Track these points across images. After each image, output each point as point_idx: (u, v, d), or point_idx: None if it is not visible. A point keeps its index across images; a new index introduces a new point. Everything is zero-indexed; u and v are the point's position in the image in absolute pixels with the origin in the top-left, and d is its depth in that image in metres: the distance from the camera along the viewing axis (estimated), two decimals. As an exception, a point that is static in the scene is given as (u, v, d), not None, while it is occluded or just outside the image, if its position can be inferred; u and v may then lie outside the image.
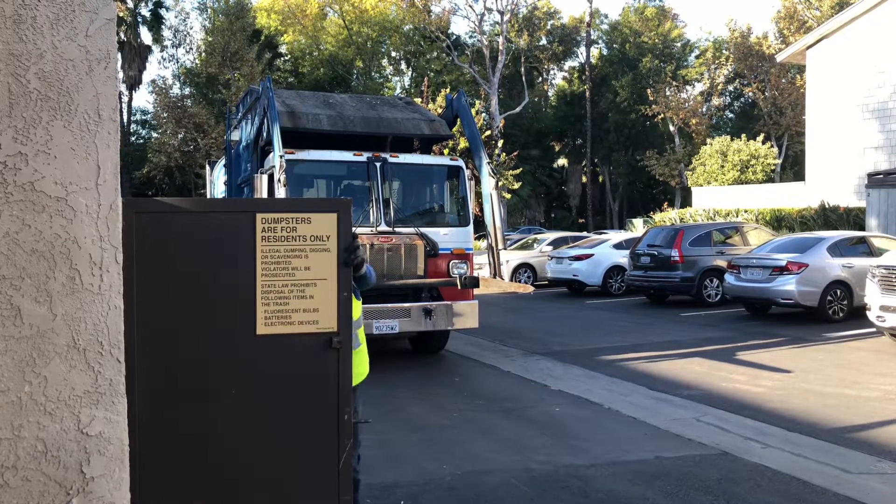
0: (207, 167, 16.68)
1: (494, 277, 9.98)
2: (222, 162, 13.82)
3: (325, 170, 9.61)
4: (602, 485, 5.03)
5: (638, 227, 30.40)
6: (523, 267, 20.25)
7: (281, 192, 8.11)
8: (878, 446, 5.83)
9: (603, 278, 17.99)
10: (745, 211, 23.76)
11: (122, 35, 36.60)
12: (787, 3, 42.38)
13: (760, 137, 36.87)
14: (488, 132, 32.43)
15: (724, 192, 29.31)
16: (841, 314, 12.50)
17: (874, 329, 10.82)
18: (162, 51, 42.53)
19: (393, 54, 50.20)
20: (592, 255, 18.21)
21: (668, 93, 44.34)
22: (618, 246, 18.42)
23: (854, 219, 20.54)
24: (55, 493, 2.31)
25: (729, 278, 13.76)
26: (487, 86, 42.51)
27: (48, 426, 2.29)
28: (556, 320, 13.95)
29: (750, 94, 44.59)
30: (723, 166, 34.95)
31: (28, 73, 2.25)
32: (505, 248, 18.04)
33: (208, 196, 16.37)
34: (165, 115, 36.37)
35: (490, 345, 10.99)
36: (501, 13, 43.21)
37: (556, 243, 21.10)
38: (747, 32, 43.43)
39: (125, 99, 39.87)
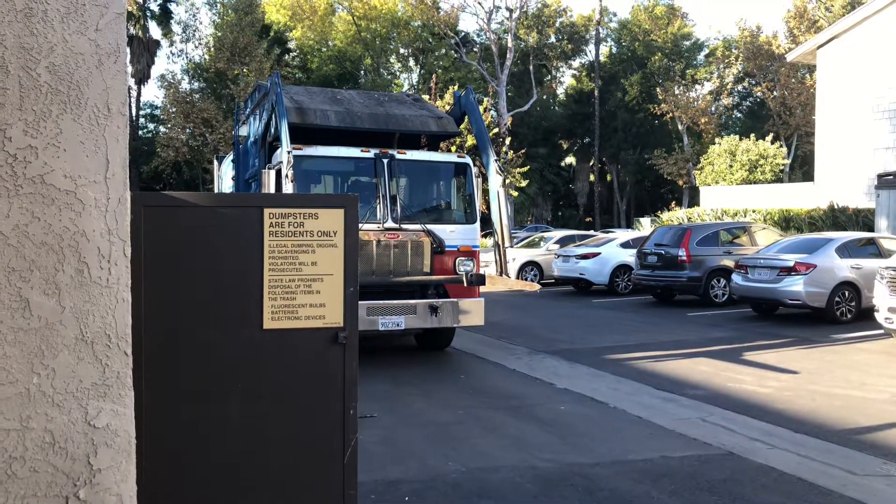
0: (215, 162, 16.73)
1: (501, 275, 9.97)
2: (230, 157, 13.86)
3: (333, 166, 9.62)
4: (607, 483, 5.03)
5: (645, 226, 30.33)
6: (530, 265, 20.23)
7: (288, 188, 8.12)
8: (885, 448, 5.80)
9: (609, 277, 17.95)
10: (754, 211, 23.65)
11: (130, 29, 36.72)
12: (798, 3, 42.16)
13: (769, 137, 36.72)
14: (496, 130, 32.41)
15: (732, 192, 29.18)
16: (849, 315, 12.44)
17: (882, 331, 10.77)
18: (171, 45, 42.66)
19: (401, 51, 50.18)
20: (599, 253, 18.17)
21: (677, 92, 44.19)
22: (625, 245, 18.38)
23: (863, 220, 20.43)
24: (62, 484, 2.32)
25: (736, 278, 13.71)
26: (496, 83, 42.44)
27: (56, 418, 2.30)
28: (562, 319, 13.94)
29: (759, 93, 44.41)
30: (731, 166, 34.81)
31: (39, 67, 2.26)
32: (511, 246, 18.02)
33: (216, 191, 16.42)
34: (174, 109, 36.47)
35: (496, 342, 10.98)
36: (510, 10, 43.12)
37: (562, 242, 21.07)
38: (757, 31, 43.22)
39: (133, 93, 40.00)
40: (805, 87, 40.08)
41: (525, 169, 33.93)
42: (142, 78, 39.29)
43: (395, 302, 8.76)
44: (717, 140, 38.14)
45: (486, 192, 10.20)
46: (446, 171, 9.89)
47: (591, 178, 51.52)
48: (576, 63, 53.71)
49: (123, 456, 2.40)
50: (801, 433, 6.22)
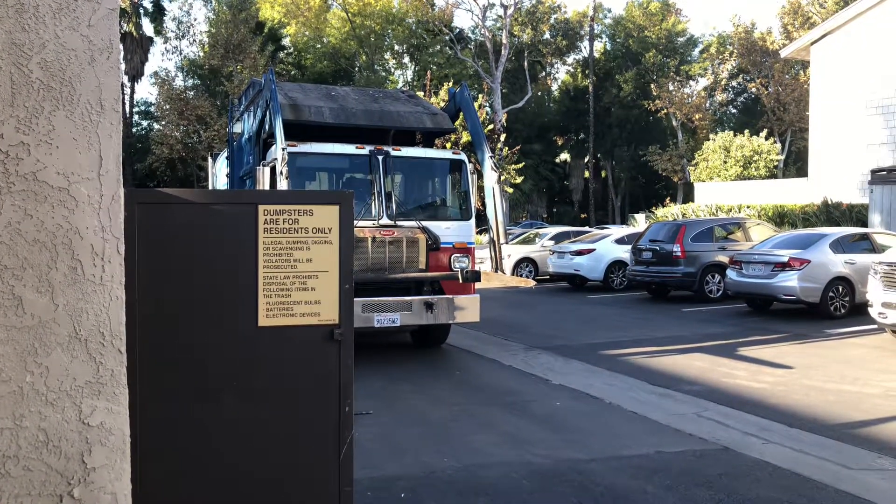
0: (210, 159, 16.69)
1: (496, 272, 9.97)
2: (224, 154, 13.82)
3: (328, 162, 9.60)
4: (602, 479, 5.03)
5: (640, 222, 30.38)
6: (525, 261, 20.24)
7: (283, 185, 8.10)
8: (879, 442, 5.83)
9: (604, 273, 17.98)
10: (748, 207, 23.70)
11: (124, 26, 36.53)
12: (792, -1, 42.24)
13: (763, 133, 36.79)
14: (491, 126, 32.36)
15: (726, 188, 29.24)
16: (843, 311, 12.48)
17: (876, 326, 10.81)
18: (165, 42, 42.48)
19: (396, 48, 50.08)
20: (594, 249, 18.20)
21: (671, 88, 44.23)
22: (619, 241, 18.41)
23: (857, 215, 20.50)
24: (56, 482, 2.31)
25: (731, 274, 13.74)
26: (490, 80, 42.41)
27: (50, 416, 2.29)
28: (557, 315, 13.95)
29: (753, 89, 44.48)
30: (725, 162, 34.88)
31: (30, 63, 2.24)
32: (507, 243, 18.03)
33: (210, 188, 16.37)
34: (168, 106, 36.33)
35: (491, 339, 10.99)
36: (505, 7, 43.07)
37: (557, 238, 21.09)
38: (751, 28, 43.29)
39: (127, 90, 39.83)
40: (799, 83, 40.16)
41: (520, 165, 33.92)
42: (135, 75, 39.12)
43: (391, 299, 8.75)
44: (711, 136, 38.21)
45: (481, 189, 10.19)
46: (441, 168, 9.88)
47: (586, 174, 51.55)
48: (570, 59, 53.71)
49: (118, 454, 2.39)
50: (795, 428, 6.24)
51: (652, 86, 44.01)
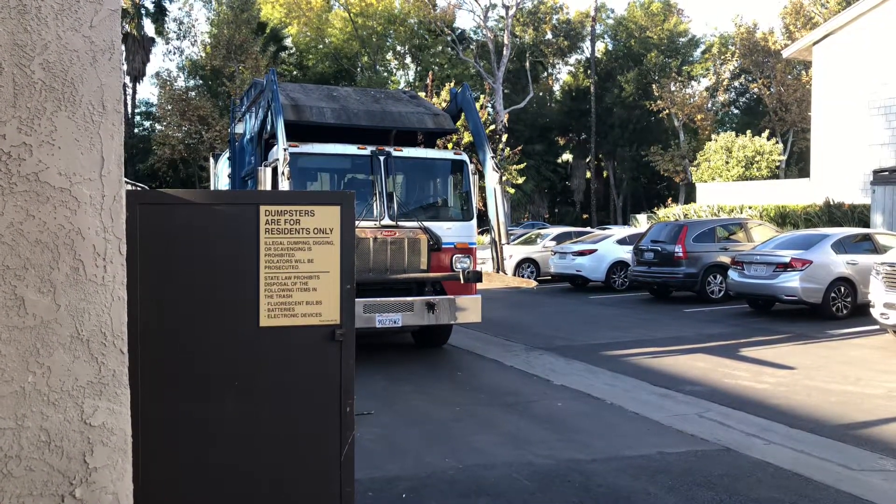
0: (211, 160, 16.72)
1: (497, 272, 9.97)
2: (226, 155, 13.84)
3: (329, 163, 9.61)
4: (604, 479, 5.03)
5: (642, 222, 30.34)
6: (526, 262, 20.23)
7: (285, 185, 8.11)
8: (881, 443, 5.82)
9: (606, 274, 17.97)
10: (750, 207, 23.67)
11: (125, 27, 36.58)
12: (794, -1, 42.22)
13: (765, 133, 36.73)
14: (492, 126, 32.38)
15: (728, 189, 29.21)
16: (844, 311, 12.47)
17: (878, 326, 10.80)
18: (167, 43, 42.56)
19: (398, 48, 50.11)
20: (596, 250, 18.19)
21: (673, 88, 44.20)
22: (621, 241, 18.40)
23: (859, 216, 20.47)
24: (58, 482, 2.32)
25: (732, 274, 13.73)
26: (492, 80, 42.39)
27: (51, 416, 2.30)
28: (558, 315, 13.95)
29: (755, 89, 44.46)
30: (727, 162, 34.83)
31: (32, 64, 2.25)
32: (508, 243, 18.02)
33: (212, 189, 16.39)
34: (170, 107, 36.39)
35: (493, 339, 10.99)
36: (507, 7, 43.07)
37: (559, 238, 21.08)
38: (753, 28, 43.27)
39: (129, 91, 39.89)
40: (801, 83, 40.14)
41: (522, 166, 33.91)
42: (137, 76, 39.19)
43: (392, 299, 8.75)
44: (713, 136, 38.15)
45: (482, 189, 10.19)
46: (443, 168, 9.88)
47: (588, 174, 51.52)
48: (572, 60, 53.70)
49: (119, 454, 2.39)
50: (797, 428, 6.24)
51: (654, 86, 44.00)
